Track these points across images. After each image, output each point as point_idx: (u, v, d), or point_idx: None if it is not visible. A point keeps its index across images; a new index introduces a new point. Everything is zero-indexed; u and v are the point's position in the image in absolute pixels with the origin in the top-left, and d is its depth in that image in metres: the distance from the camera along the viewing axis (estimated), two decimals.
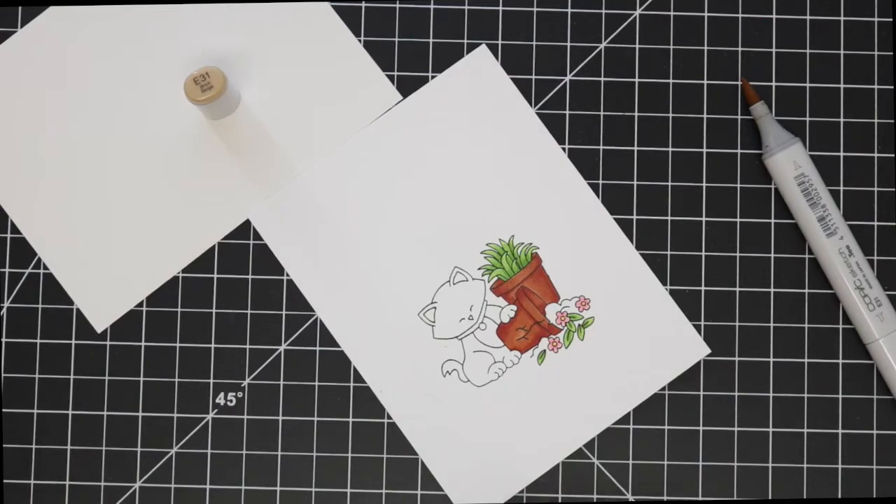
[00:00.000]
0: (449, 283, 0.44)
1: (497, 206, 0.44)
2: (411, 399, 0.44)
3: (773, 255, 0.45)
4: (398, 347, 0.44)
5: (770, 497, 0.44)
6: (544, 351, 0.44)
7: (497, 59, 0.45)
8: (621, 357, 0.44)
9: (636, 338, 0.44)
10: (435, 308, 0.44)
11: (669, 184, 0.45)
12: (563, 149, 0.45)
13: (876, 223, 0.45)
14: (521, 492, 0.44)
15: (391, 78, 0.45)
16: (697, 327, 0.44)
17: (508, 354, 0.44)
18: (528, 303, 0.44)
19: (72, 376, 0.44)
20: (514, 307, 0.44)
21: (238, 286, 0.44)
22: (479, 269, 0.44)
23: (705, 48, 0.45)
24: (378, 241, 0.44)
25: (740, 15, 0.45)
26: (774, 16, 0.45)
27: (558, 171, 0.45)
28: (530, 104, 0.45)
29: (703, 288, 0.44)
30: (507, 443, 0.44)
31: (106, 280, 0.44)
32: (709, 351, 0.44)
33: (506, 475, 0.44)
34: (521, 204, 0.44)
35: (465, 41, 0.45)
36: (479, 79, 0.45)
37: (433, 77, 0.45)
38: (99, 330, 0.44)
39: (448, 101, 0.45)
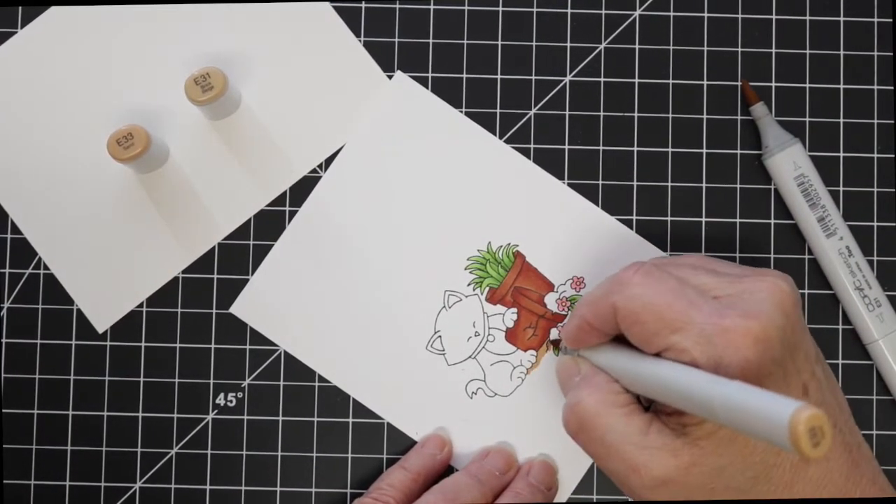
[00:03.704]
0: (445, 308, 0.44)
1: (467, 219, 0.44)
2: (449, 431, 0.44)
3: (772, 256, 0.45)
4: (418, 386, 0.44)
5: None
6: (558, 340, 0.44)
7: (497, 59, 0.45)
8: None
9: None
10: (440, 336, 0.44)
11: (669, 184, 0.45)
12: (563, 149, 0.45)
13: (876, 223, 0.45)
14: None
15: (391, 78, 0.45)
16: None
17: (525, 356, 0.44)
18: (525, 301, 0.44)
19: (72, 376, 0.44)
20: (514, 309, 0.44)
21: (238, 287, 0.44)
22: (469, 284, 0.44)
23: (705, 48, 0.45)
24: (366, 290, 0.44)
25: (740, 15, 0.45)
26: (774, 16, 0.45)
27: (508, 163, 0.45)
28: (530, 105, 0.45)
29: None
30: (549, 441, 0.44)
31: (106, 280, 0.44)
32: None
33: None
34: (488, 208, 0.44)
35: (465, 41, 0.45)
36: (406, 103, 0.45)
37: (428, 79, 0.45)
38: (100, 330, 0.44)
39: (388, 134, 0.45)
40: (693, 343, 0.32)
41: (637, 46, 0.45)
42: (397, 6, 0.45)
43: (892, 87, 0.45)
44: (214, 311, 0.44)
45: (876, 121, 0.45)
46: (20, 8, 0.45)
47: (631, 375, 0.35)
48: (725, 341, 0.32)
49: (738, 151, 0.45)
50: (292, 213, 0.45)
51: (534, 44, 0.45)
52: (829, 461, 0.34)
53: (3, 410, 0.44)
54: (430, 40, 0.45)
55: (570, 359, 0.39)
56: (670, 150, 0.45)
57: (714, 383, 0.30)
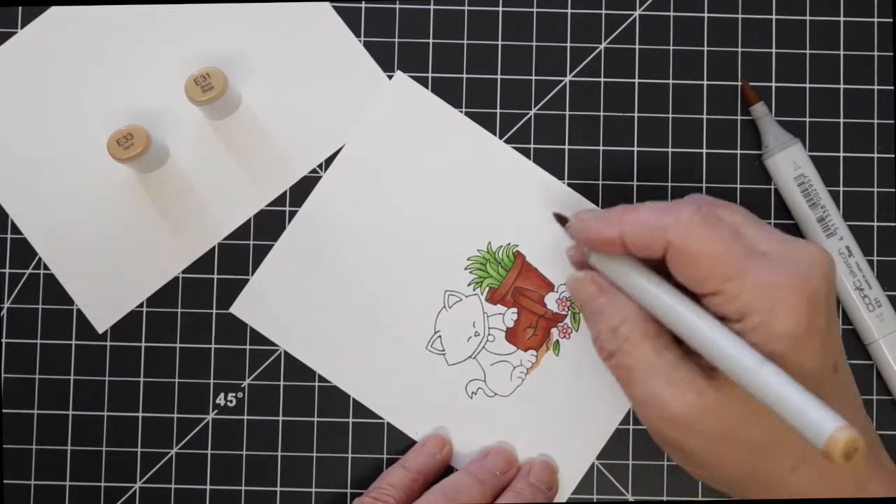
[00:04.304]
0: (445, 308, 0.44)
1: (467, 219, 0.44)
2: (449, 431, 0.44)
3: None
4: (418, 386, 0.44)
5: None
6: (557, 341, 0.44)
7: (497, 59, 0.45)
8: None
9: None
10: (440, 336, 0.44)
11: (669, 184, 0.45)
12: (563, 149, 0.45)
13: (876, 223, 0.45)
14: None
15: (391, 78, 0.45)
16: None
17: (525, 356, 0.44)
18: (525, 301, 0.44)
19: (72, 376, 0.44)
20: (514, 309, 0.44)
21: (238, 287, 0.44)
22: (469, 284, 0.44)
23: (705, 48, 0.45)
24: (366, 291, 0.44)
25: (740, 15, 0.45)
26: (774, 16, 0.45)
27: (508, 163, 0.45)
28: (530, 105, 0.45)
29: None
30: (549, 441, 0.44)
31: (106, 280, 0.44)
32: None
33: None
34: (488, 208, 0.44)
35: (465, 41, 0.45)
36: (406, 103, 0.45)
37: (427, 79, 0.45)
38: (100, 330, 0.44)
39: (388, 134, 0.45)
40: (746, 292, 0.32)
41: (637, 46, 0.45)
42: (397, 6, 0.45)
43: (892, 87, 0.45)
44: (214, 311, 0.44)
45: (876, 121, 0.45)
46: (20, 8, 0.45)
47: (666, 317, 0.35)
48: (780, 298, 0.32)
49: (738, 151, 0.45)
50: (292, 213, 0.45)
51: (534, 44, 0.45)
52: None
53: (3, 410, 0.44)
54: (430, 40, 0.45)
55: (589, 280, 0.38)
56: (670, 150, 0.45)
57: (764, 367, 0.30)
